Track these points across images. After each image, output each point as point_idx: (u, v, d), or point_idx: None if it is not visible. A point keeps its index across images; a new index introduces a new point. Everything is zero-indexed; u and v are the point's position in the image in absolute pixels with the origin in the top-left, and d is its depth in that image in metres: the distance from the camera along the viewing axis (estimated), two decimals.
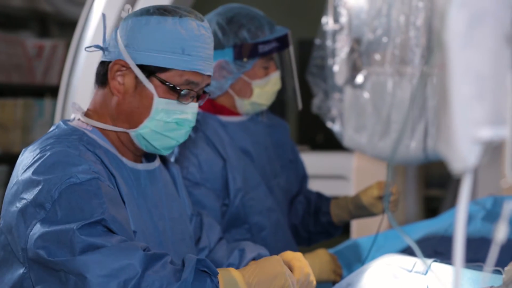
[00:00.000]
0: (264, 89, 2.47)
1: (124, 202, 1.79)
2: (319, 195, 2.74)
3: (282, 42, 2.45)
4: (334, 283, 2.38)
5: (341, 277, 2.40)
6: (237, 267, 2.05)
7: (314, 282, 1.91)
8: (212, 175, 2.42)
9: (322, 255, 2.39)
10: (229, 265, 2.07)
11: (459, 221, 0.89)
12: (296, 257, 1.89)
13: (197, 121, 2.43)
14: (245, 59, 2.42)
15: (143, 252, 1.63)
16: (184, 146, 2.39)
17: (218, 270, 1.73)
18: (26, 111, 5.17)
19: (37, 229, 1.64)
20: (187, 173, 2.38)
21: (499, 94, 0.88)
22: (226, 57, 2.42)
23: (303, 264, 1.88)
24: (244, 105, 2.50)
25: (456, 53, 0.88)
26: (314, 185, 3.90)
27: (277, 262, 1.78)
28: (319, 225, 2.68)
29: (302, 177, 2.79)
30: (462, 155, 0.89)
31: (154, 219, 1.90)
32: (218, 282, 1.68)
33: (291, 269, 1.86)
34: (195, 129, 2.41)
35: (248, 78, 2.45)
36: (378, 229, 2.57)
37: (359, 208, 2.58)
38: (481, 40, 0.88)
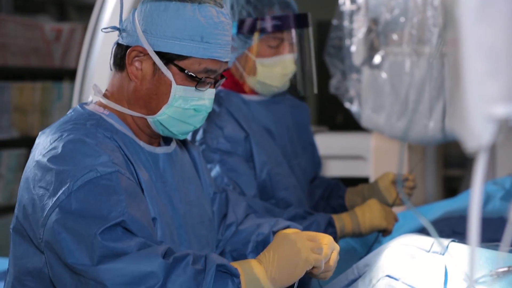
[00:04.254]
0: (273, 70, 2.46)
1: (143, 189, 1.78)
2: (337, 182, 2.76)
3: (284, 21, 2.44)
4: (384, 232, 2.42)
5: (393, 225, 2.42)
6: (266, 236, 2.04)
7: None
8: (238, 146, 2.43)
9: (371, 204, 2.41)
10: (258, 235, 2.05)
11: (473, 200, 0.88)
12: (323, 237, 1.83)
13: (220, 97, 2.44)
14: (246, 34, 2.42)
15: (164, 259, 1.62)
16: (209, 119, 2.39)
17: (239, 264, 1.71)
18: (45, 95, 5.20)
19: (52, 221, 1.63)
20: (218, 143, 2.40)
21: None
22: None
23: (327, 240, 1.82)
24: (253, 84, 2.49)
25: (469, 29, 0.86)
26: (332, 166, 3.90)
27: (293, 248, 1.73)
28: (330, 208, 2.68)
29: (318, 162, 2.80)
30: (476, 133, 0.87)
31: (173, 202, 1.89)
32: (239, 283, 1.67)
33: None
34: (218, 104, 2.43)
35: (252, 55, 2.45)
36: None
37: (374, 193, 2.57)
38: (494, 15, 0.86)
